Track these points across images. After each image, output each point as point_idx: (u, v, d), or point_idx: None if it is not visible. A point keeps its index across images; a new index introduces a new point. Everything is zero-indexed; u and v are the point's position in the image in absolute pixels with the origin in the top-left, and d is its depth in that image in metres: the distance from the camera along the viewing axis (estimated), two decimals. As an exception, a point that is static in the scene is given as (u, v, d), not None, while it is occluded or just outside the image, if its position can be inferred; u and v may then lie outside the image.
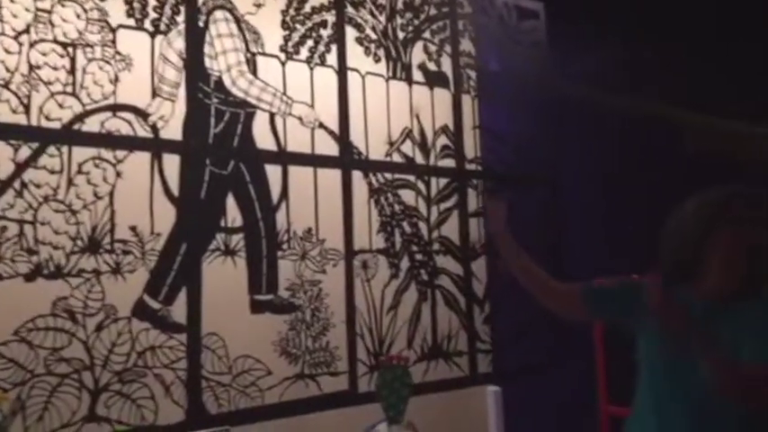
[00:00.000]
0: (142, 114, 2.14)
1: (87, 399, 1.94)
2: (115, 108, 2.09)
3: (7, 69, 1.92)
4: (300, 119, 2.48)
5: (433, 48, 2.95)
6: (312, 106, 2.52)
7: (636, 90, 4.06)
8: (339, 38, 2.63)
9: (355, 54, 2.68)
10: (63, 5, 2.03)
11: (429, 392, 2.63)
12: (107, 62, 2.09)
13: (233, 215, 2.29)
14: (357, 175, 2.60)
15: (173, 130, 2.20)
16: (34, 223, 1.92)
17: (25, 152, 1.93)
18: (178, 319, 2.12)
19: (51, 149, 1.97)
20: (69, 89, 2.02)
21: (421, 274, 2.74)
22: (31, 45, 1.97)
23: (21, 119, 1.93)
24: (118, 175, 2.07)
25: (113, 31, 2.12)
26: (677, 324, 1.36)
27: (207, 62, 2.30)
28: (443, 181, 2.88)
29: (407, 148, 2.78)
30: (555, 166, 3.38)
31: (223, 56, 2.33)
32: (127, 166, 2.09)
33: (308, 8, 2.56)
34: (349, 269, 2.52)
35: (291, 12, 2.52)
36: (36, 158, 1.94)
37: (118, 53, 2.12)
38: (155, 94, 2.17)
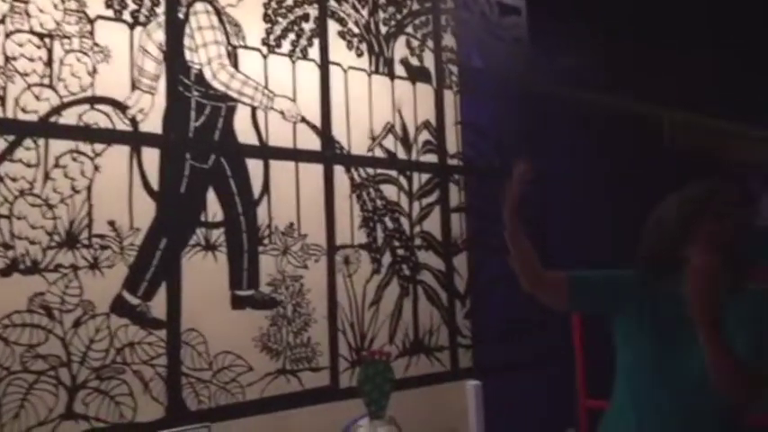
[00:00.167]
0: (121, 107, 2.11)
1: (64, 396, 1.91)
2: (93, 100, 2.06)
3: (-18, 60, 1.88)
4: (282, 113, 2.46)
5: (415, 43, 2.94)
6: (294, 100, 2.50)
7: (616, 87, 4.09)
8: (321, 32, 2.62)
9: (338, 48, 2.66)
10: (39, -5, 1.99)
11: (410, 387, 2.64)
12: (85, 54, 2.05)
13: (213, 210, 2.27)
14: (339, 170, 2.59)
15: (152, 123, 2.17)
16: (10, 217, 1.88)
17: (1, 145, 1.89)
18: (157, 315, 2.10)
19: (28, 142, 1.93)
20: (46, 81, 1.98)
21: (403, 270, 2.74)
22: (7, 36, 1.93)
23: (-4, 111, 1.89)
24: (96, 168, 2.04)
25: (91, 22, 2.08)
26: (710, 311, 1.36)
27: (187, 55, 2.27)
28: (425, 176, 2.88)
29: (389, 142, 2.78)
30: (536, 162, 3.39)
31: (204, 48, 2.31)
32: (105, 159, 2.06)
33: (290, 1, 2.54)
34: (331, 264, 2.51)
35: (273, 5, 2.50)
36: (12, 151, 1.91)
37: (96, 45, 2.08)
38: (134, 86, 2.14)
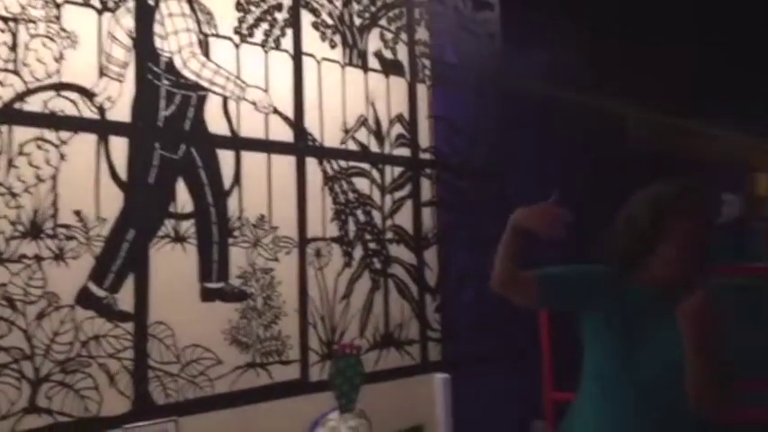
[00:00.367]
0: (88, 94, 2.06)
1: (27, 389, 1.87)
2: (59, 87, 2.00)
3: (-58, 43, 1.82)
4: (254, 104, 2.43)
5: (389, 35, 2.93)
6: (266, 91, 2.47)
7: (585, 84, 4.14)
8: (294, 22, 2.59)
9: (311, 39, 2.64)
10: (3, -23, 1.93)
11: (380, 381, 2.64)
12: (51, 39, 2.00)
13: (183, 201, 2.23)
14: (311, 162, 2.57)
15: (120, 111, 2.12)
16: (-29, 206, 1.83)
17: (-39, 131, 1.83)
18: (124, 308, 2.06)
19: (-10, 129, 1.87)
20: (11, 66, 1.92)
21: (374, 263, 2.73)
22: (-31, 18, 1.87)
23: (-43, 96, 1.83)
24: (62, 157, 1.99)
25: (58, 6, 2.02)
26: (707, 328, 1.39)
27: (157, 42, 2.22)
28: (398, 170, 2.87)
29: (362, 135, 2.76)
30: (507, 157, 3.42)
31: (174, 36, 2.26)
32: (71, 147, 2.01)
33: (263, -10, 2.51)
34: (302, 257, 2.49)
35: (246, -7, 2.46)
36: (-27, 138, 1.85)
37: (63, 30, 2.02)
38: (102, 73, 2.09)
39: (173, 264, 2.18)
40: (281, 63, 2.53)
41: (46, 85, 1.97)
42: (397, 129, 2.90)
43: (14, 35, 1.93)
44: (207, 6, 2.35)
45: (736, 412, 1.77)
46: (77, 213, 2.00)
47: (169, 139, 2.22)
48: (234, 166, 2.35)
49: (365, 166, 2.76)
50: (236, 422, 2.24)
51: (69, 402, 1.93)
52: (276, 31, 2.53)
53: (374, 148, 2.80)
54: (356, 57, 2.79)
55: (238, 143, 2.37)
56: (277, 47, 2.52)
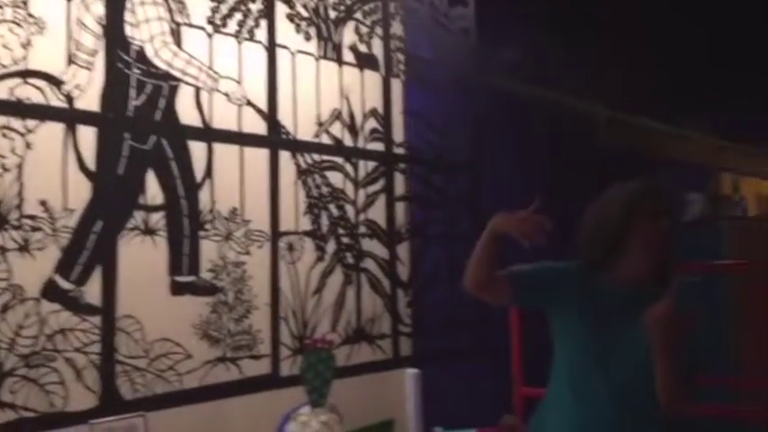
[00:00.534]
0: (56, 82, 2.00)
1: (-10, 384, 1.82)
2: (26, 74, 1.94)
3: None
4: (227, 95, 2.40)
5: (364, 29, 2.91)
6: (239, 82, 2.44)
7: (557, 81, 4.18)
8: (269, 13, 2.56)
9: (285, 31, 2.61)
10: (-33, -41, 1.86)
11: (352, 375, 2.64)
12: (18, 25, 1.93)
13: (153, 192, 2.19)
14: (285, 156, 2.55)
15: (89, 100, 2.07)
16: (-68, 195, 1.77)
17: None
18: (92, 301, 2.02)
19: (-47, 116, 1.82)
20: (-26, 51, 1.86)
21: (347, 257, 2.73)
22: (-70, 0, 1.80)
23: None
24: (28, 146, 1.93)
25: (25, -10, 1.97)
26: (672, 335, 1.40)
27: (128, 30, 2.17)
28: (371, 164, 2.87)
29: (336, 129, 2.75)
30: (480, 153, 3.44)
31: (146, 24, 2.22)
32: (38, 136, 1.95)
33: (237, -20, 2.47)
34: (274, 251, 2.47)
35: (220, -18, 2.42)
36: (-66, 125, 1.79)
37: (30, 15, 1.96)
38: (70, 61, 2.04)
39: (142, 256, 2.14)
40: (255, 54, 2.50)
41: (12, 72, 1.91)
42: (372, 123, 2.89)
43: (-21, 19, 1.88)
44: (179, -5, 2.30)
45: (698, 407, 1.81)
46: (43, 204, 1.95)
47: (139, 129, 2.17)
48: (206, 159, 2.32)
49: (339, 160, 2.74)
50: (205, 417, 2.22)
51: (34, 397, 1.88)
52: (250, 22, 2.50)
53: (348, 142, 2.79)
54: (331, 50, 2.77)
55: (210, 135, 2.34)
56: (251, 38, 2.49)
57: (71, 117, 2.02)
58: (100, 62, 2.10)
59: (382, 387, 2.76)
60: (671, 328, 1.40)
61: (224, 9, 2.42)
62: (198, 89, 2.32)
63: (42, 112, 1.96)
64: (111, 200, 2.09)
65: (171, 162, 2.24)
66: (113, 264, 2.07)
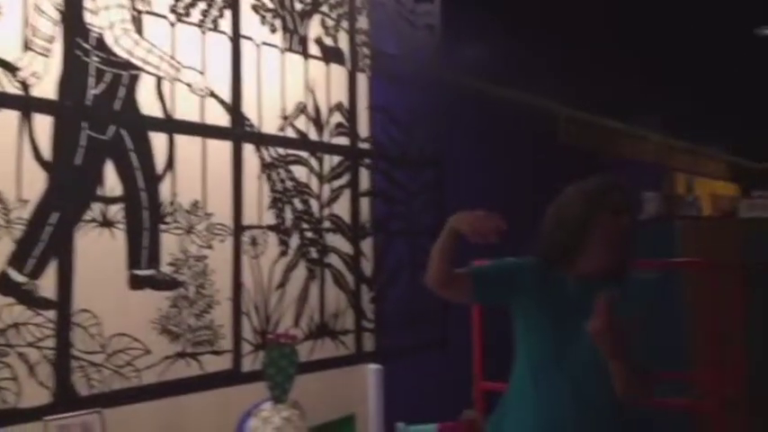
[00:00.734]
0: (11, 69, 1.93)
1: (-62, 380, 1.75)
2: (-21, 60, 1.87)
3: None
4: (190, 85, 2.35)
5: (330, 22, 2.89)
6: (203, 73, 2.39)
7: (519, 80, 4.23)
8: (234, 3, 2.51)
9: (250, 22, 2.57)
10: None
11: (314, 371, 2.62)
12: (-30, 7, 1.86)
13: (112, 184, 2.14)
14: (248, 149, 2.52)
15: (46, 88, 2.00)
16: None
17: None
18: (46, 294, 1.96)
19: None
20: (-77, 34, 1.78)
21: (310, 252, 2.71)
22: None
23: None
24: (-20, 134, 1.86)
25: (-22, -27, 1.89)
26: (610, 336, 1.42)
27: (87, 17, 2.11)
28: (336, 159, 2.85)
29: (301, 123, 2.72)
30: (444, 149, 3.45)
31: (105, 11, 2.16)
32: (-9, 124, 1.89)
33: (201, -32, 2.42)
34: (237, 245, 2.44)
35: (183, -30, 2.37)
36: None
37: (-17, -2, 1.89)
38: (26, 47, 1.97)
39: (100, 249, 2.08)
40: (219, 45, 2.46)
41: (-36, 57, 1.84)
42: (337, 117, 2.88)
43: (-72, 1, 1.80)
44: (141, -18, 2.25)
45: (655, 402, 1.85)
46: (-4, 194, 1.88)
47: (98, 119, 2.12)
48: (167, 150, 2.27)
49: (304, 154, 2.72)
50: (164, 414, 2.18)
51: (-15, 394, 1.82)
52: (214, 12, 2.45)
53: (313, 136, 2.77)
54: (296, 42, 2.74)
55: (172, 126, 2.29)
56: (215, 28, 2.45)
57: (27, 105, 1.96)
58: (57, 49, 2.03)
59: (345, 383, 2.75)
60: (609, 338, 1.42)
61: (187, -2, 2.37)
62: (159, 79, 2.27)
63: (-4, 100, 1.89)
64: (68, 191, 2.03)
65: (131, 153, 2.19)
66: (69, 256, 2.02)
